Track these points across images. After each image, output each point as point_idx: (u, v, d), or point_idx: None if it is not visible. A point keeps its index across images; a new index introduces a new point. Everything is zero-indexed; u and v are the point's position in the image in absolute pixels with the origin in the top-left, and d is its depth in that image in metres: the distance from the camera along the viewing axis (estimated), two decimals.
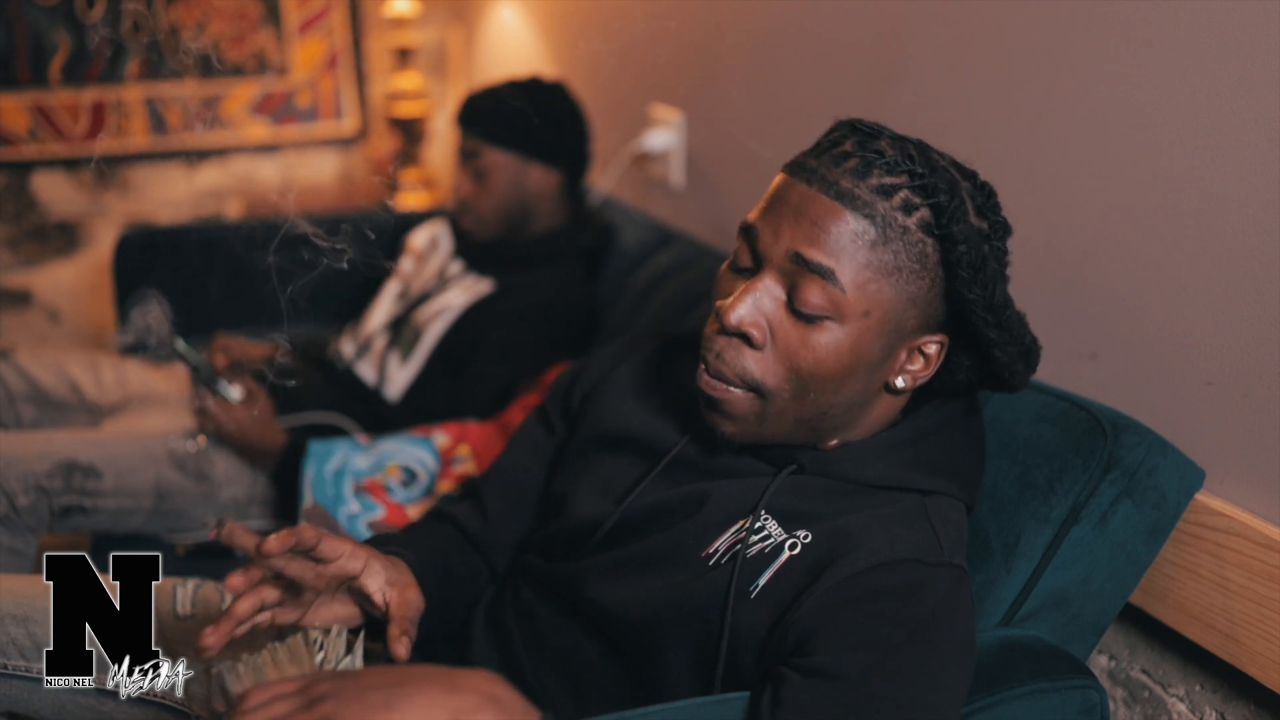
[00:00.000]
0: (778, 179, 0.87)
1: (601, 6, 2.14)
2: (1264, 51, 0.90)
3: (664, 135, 1.91)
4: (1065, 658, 0.90)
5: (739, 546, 0.85)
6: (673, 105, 1.91)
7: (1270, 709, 0.98)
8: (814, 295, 0.82)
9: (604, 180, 2.07)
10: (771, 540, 0.85)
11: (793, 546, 0.84)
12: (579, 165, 1.80)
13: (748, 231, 0.86)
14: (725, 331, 0.85)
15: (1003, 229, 0.86)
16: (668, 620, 0.85)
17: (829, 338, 0.82)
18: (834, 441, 0.90)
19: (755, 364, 0.84)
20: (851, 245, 0.81)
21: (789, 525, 0.85)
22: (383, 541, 0.97)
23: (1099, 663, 1.15)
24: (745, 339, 0.85)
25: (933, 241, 0.82)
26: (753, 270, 0.86)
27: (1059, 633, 0.95)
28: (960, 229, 0.81)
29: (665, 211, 1.96)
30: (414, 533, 1.04)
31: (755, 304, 0.84)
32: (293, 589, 0.83)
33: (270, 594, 0.82)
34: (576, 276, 1.76)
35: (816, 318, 0.82)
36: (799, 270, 0.82)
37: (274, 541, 0.76)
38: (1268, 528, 0.93)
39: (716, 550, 0.86)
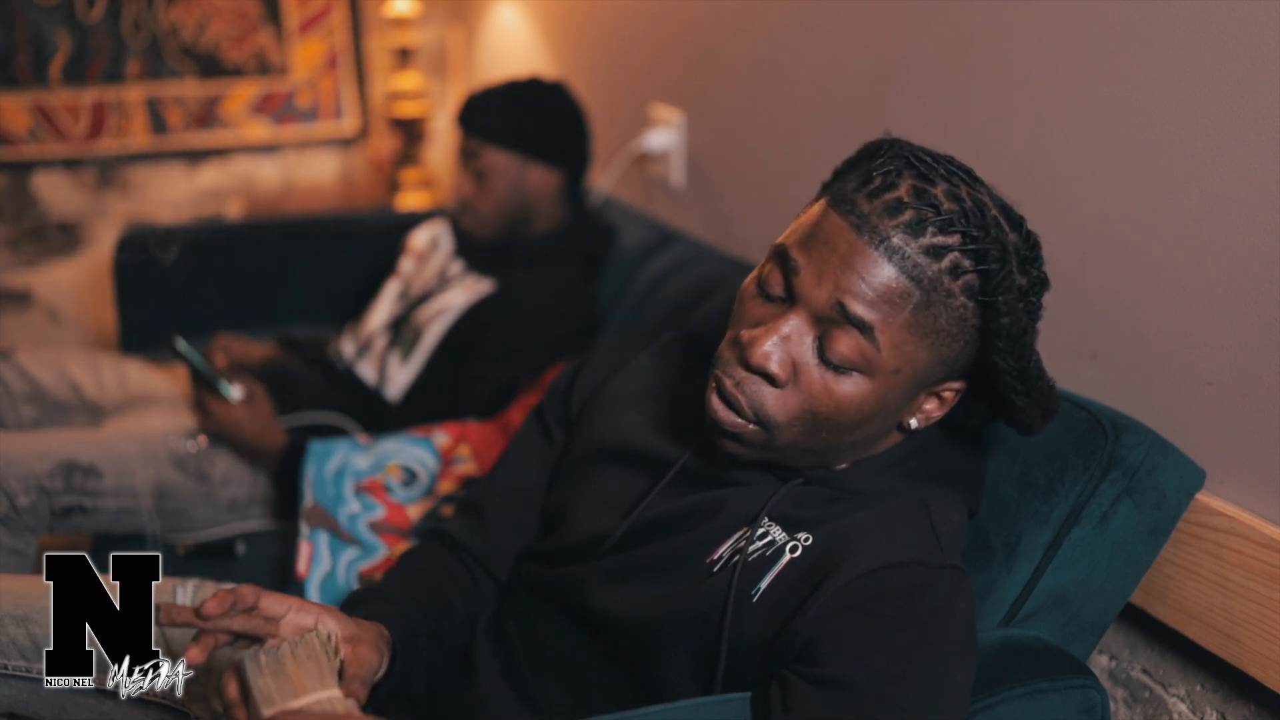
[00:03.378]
0: (819, 208, 0.84)
1: (601, 6, 2.14)
2: (1264, 51, 0.90)
3: (664, 135, 1.91)
4: (1065, 658, 0.90)
5: (740, 551, 0.85)
6: (673, 105, 1.91)
7: (1271, 709, 0.98)
8: (848, 348, 0.80)
9: (604, 180, 2.07)
10: (774, 544, 0.85)
11: (794, 549, 0.84)
12: (579, 165, 1.79)
13: (784, 260, 0.83)
14: (748, 367, 0.83)
15: (1041, 284, 0.84)
16: (669, 625, 0.85)
17: (853, 388, 0.81)
18: (842, 466, 0.90)
19: (773, 400, 0.83)
20: (895, 305, 0.79)
21: (791, 529, 0.85)
22: (370, 596, 0.95)
23: (1099, 663, 1.15)
24: (767, 377, 0.83)
25: (974, 306, 0.81)
26: (783, 300, 0.84)
27: (1059, 633, 0.95)
28: (1005, 300, 0.79)
29: (665, 211, 1.96)
30: (409, 574, 1.02)
31: (783, 344, 0.82)
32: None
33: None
34: (577, 276, 1.76)
35: (845, 369, 0.81)
36: (837, 319, 0.80)
37: (213, 604, 0.75)
38: (1268, 528, 0.93)
39: (720, 557, 0.86)
